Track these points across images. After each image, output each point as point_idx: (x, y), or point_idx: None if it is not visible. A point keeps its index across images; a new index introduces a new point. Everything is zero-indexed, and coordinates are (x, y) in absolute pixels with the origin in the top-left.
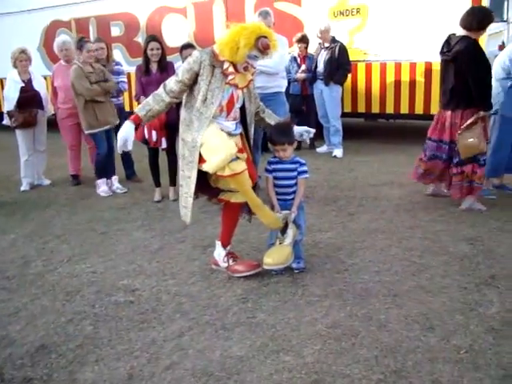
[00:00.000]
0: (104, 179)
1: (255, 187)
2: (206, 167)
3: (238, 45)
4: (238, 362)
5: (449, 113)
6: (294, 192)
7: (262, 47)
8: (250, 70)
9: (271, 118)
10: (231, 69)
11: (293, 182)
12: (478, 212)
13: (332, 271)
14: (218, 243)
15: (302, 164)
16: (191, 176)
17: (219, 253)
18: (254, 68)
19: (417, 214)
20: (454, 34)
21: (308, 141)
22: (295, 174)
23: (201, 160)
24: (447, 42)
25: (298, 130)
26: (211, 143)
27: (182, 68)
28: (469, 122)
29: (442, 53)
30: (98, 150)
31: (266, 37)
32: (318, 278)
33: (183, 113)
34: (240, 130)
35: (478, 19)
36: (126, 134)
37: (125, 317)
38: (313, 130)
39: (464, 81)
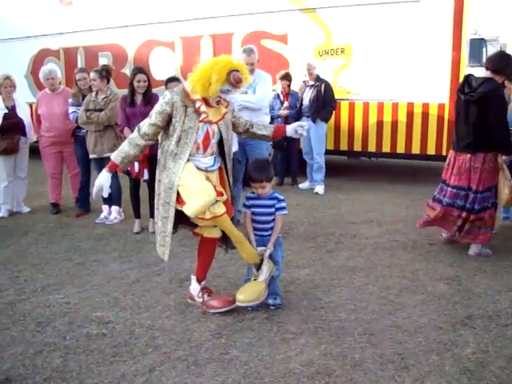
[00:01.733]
0: (106, 206)
1: (232, 221)
2: (186, 211)
3: (209, 80)
4: None
5: (468, 156)
6: (272, 228)
7: (234, 81)
8: (223, 103)
9: (262, 129)
10: (203, 107)
11: (270, 218)
12: (485, 256)
13: (308, 308)
14: (194, 278)
15: (280, 200)
16: (168, 216)
17: (194, 287)
18: (227, 102)
19: (395, 253)
20: (472, 75)
21: (304, 133)
22: (273, 210)
23: (179, 200)
24: (468, 82)
25: (291, 127)
26: (190, 187)
27: (154, 110)
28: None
29: (462, 93)
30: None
31: (237, 70)
32: (294, 315)
33: (159, 155)
34: (218, 164)
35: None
36: (102, 181)
37: (96, 349)
38: (306, 124)
39: (487, 123)
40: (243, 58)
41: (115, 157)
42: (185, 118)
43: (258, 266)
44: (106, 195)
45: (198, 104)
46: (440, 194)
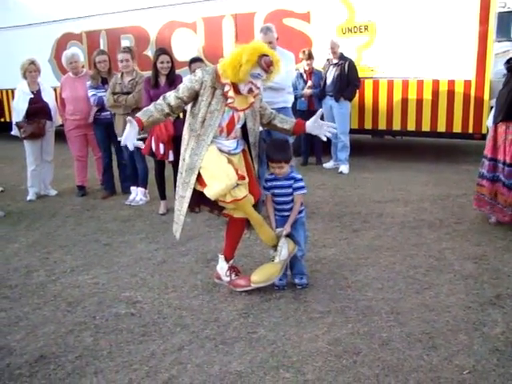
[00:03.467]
0: (134, 187)
1: (258, 203)
2: (207, 193)
3: (240, 62)
4: (236, 378)
5: (503, 128)
6: (292, 208)
7: (266, 65)
8: (255, 91)
9: (284, 123)
10: (231, 92)
11: (289, 198)
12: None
13: (335, 288)
14: (221, 257)
15: (297, 180)
16: (185, 196)
17: (222, 266)
18: (259, 88)
19: (422, 232)
20: None
21: (329, 135)
22: (291, 190)
23: (200, 181)
24: None
25: (312, 122)
26: (211, 170)
27: (183, 85)
28: None
29: (506, 62)
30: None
31: (268, 56)
32: (321, 295)
33: (185, 130)
34: (241, 147)
35: None
36: (128, 135)
37: (125, 329)
38: (334, 125)
39: None
40: (261, 38)
41: (142, 115)
42: (212, 99)
43: (275, 247)
44: (132, 148)
45: (226, 88)
46: (482, 168)
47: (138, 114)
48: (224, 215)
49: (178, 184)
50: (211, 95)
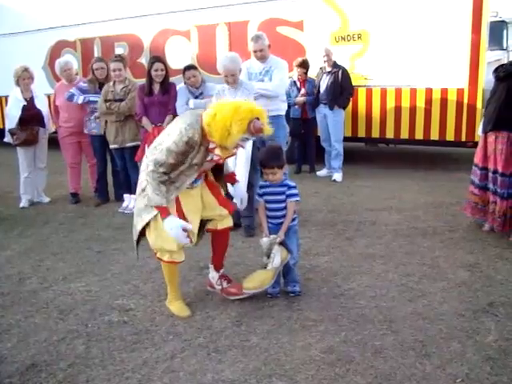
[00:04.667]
0: (127, 195)
1: (233, 215)
2: (150, 241)
3: (229, 130)
4: None
5: (493, 137)
6: (284, 216)
7: (255, 131)
8: (242, 146)
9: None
10: (218, 150)
11: (282, 205)
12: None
13: (328, 296)
14: (211, 266)
15: (290, 187)
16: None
17: (213, 276)
18: (243, 148)
19: (415, 240)
20: None
21: (239, 205)
22: (284, 197)
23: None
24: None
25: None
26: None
27: (173, 149)
28: None
29: (495, 71)
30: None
31: (258, 118)
32: (314, 303)
33: (150, 164)
34: (200, 181)
35: None
36: (178, 229)
37: (118, 337)
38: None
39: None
40: (252, 46)
41: (164, 202)
42: (196, 154)
43: (268, 255)
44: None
45: (212, 145)
46: (474, 176)
47: (156, 204)
48: (208, 230)
49: (141, 193)
50: (196, 151)
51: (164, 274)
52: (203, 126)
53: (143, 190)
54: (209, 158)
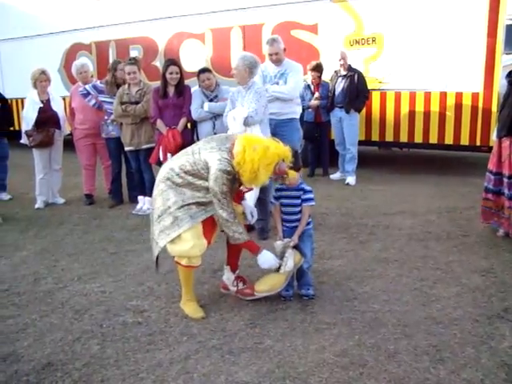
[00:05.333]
0: (141, 196)
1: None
2: (170, 248)
3: (256, 173)
4: None
5: (507, 143)
6: (299, 220)
7: (279, 172)
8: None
9: None
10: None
11: (297, 209)
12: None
13: (341, 299)
14: (227, 268)
15: (306, 191)
16: (160, 243)
17: (228, 277)
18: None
19: (429, 244)
20: None
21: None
22: (299, 201)
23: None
24: None
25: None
26: (187, 237)
27: (223, 181)
28: None
29: (507, 76)
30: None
31: (283, 160)
32: (327, 306)
33: (185, 186)
34: None
35: None
36: (271, 261)
37: (132, 337)
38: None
39: None
40: (267, 49)
41: (246, 236)
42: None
43: (281, 258)
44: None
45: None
46: (488, 183)
47: (244, 239)
48: (223, 230)
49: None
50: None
51: (180, 276)
52: (233, 164)
53: (169, 207)
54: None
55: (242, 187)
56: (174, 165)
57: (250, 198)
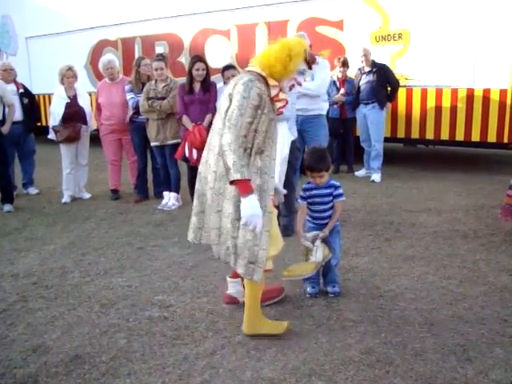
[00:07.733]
0: (167, 192)
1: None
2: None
3: (289, 56)
4: None
5: None
6: (330, 216)
7: (311, 59)
8: (296, 87)
9: None
10: (282, 94)
11: (328, 206)
12: None
13: (367, 297)
14: (236, 280)
15: (336, 187)
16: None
17: (238, 289)
18: (300, 85)
19: (455, 243)
20: None
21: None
22: (330, 198)
23: None
24: None
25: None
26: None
27: (248, 105)
28: None
29: None
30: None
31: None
32: (353, 303)
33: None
34: None
35: None
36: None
37: (158, 332)
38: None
39: None
40: None
41: (246, 175)
42: (269, 109)
43: (310, 248)
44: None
45: (274, 91)
46: None
47: (238, 177)
48: None
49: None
50: (269, 105)
51: (250, 294)
52: (260, 73)
53: (238, 220)
54: (277, 107)
55: (279, 103)
56: None
57: (277, 175)
